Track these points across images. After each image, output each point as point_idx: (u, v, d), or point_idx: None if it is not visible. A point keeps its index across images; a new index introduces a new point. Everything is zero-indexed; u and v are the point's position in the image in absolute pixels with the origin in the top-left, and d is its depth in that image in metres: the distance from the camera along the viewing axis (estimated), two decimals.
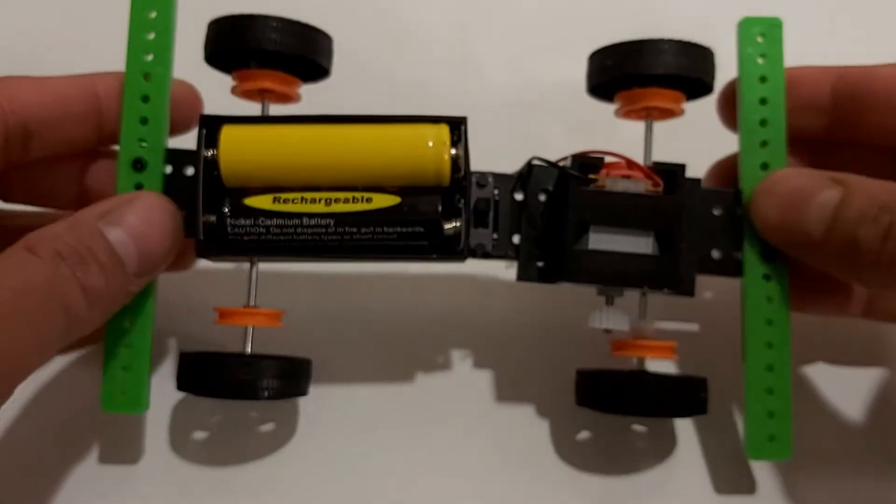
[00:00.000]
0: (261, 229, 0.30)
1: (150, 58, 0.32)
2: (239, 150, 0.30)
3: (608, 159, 0.32)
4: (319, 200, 0.30)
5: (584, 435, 0.36)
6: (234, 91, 0.33)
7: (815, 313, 0.36)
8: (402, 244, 0.31)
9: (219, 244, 0.31)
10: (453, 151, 0.30)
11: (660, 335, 0.33)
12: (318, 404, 0.36)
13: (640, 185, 0.31)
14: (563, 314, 0.37)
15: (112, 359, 0.31)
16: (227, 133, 0.30)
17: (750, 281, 0.32)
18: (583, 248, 0.31)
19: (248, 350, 0.32)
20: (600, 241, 0.31)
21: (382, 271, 0.39)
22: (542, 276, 0.32)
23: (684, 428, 0.36)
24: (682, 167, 0.31)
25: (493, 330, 0.38)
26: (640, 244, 0.31)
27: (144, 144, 0.32)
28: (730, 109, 0.34)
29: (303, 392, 0.33)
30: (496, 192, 0.32)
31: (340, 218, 0.30)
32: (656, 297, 0.33)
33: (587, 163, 0.31)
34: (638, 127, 0.34)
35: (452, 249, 0.31)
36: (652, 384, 0.32)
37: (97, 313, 0.28)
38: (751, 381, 0.32)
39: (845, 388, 0.37)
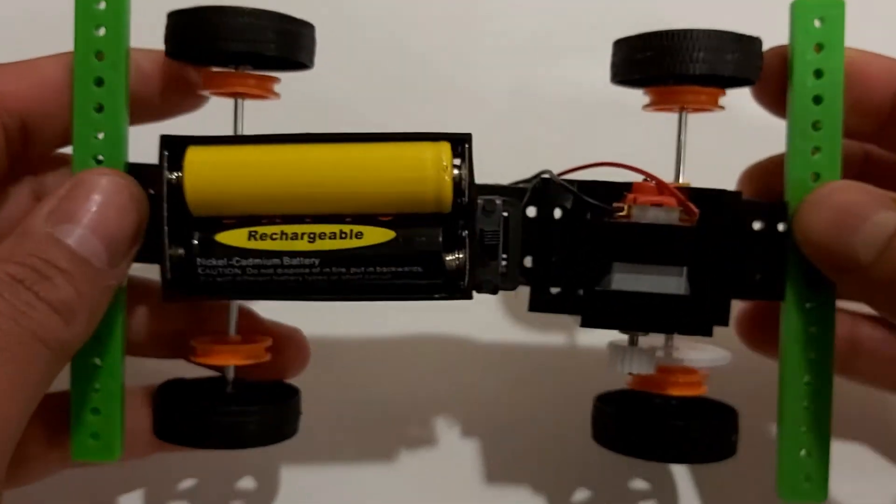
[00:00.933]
0: (236, 270, 0.26)
1: (101, 32, 0.27)
2: (207, 174, 0.26)
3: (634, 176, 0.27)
4: (302, 236, 0.26)
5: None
6: (202, 89, 0.29)
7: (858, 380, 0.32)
8: (399, 283, 0.27)
9: (189, 285, 0.27)
10: (456, 173, 0.26)
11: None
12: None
13: (673, 216, 0.26)
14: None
15: (79, 401, 0.28)
16: (193, 155, 0.26)
17: (791, 308, 0.29)
18: (605, 289, 0.27)
19: (229, 385, 0.29)
20: (625, 280, 0.27)
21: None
22: (557, 305, 0.28)
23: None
24: (723, 193, 0.27)
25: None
26: (671, 284, 0.27)
27: (100, 136, 0.27)
28: (773, 92, 0.29)
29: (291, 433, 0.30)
30: (505, 214, 0.28)
31: (326, 257, 0.26)
32: None
33: (608, 189, 0.27)
34: (651, 124, 0.30)
35: (455, 287, 0.27)
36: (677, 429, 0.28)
37: (80, 327, 0.25)
38: (786, 416, 0.29)
39: None
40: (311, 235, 0.26)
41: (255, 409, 0.29)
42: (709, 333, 0.27)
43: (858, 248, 0.26)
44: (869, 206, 0.26)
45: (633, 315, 0.27)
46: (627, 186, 0.27)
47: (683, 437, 0.28)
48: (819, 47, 0.28)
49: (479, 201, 0.27)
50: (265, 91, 0.28)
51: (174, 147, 0.26)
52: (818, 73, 0.28)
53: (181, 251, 0.27)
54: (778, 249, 0.28)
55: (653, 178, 0.27)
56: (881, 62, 0.29)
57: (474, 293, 0.27)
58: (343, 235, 0.26)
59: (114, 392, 0.28)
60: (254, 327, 0.31)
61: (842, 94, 0.28)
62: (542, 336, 0.37)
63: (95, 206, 0.25)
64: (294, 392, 0.30)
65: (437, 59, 0.38)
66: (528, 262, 0.28)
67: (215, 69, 0.28)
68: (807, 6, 0.28)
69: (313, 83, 0.31)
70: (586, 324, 0.27)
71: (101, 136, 0.27)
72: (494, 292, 0.28)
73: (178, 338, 0.30)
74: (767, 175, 0.31)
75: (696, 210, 0.27)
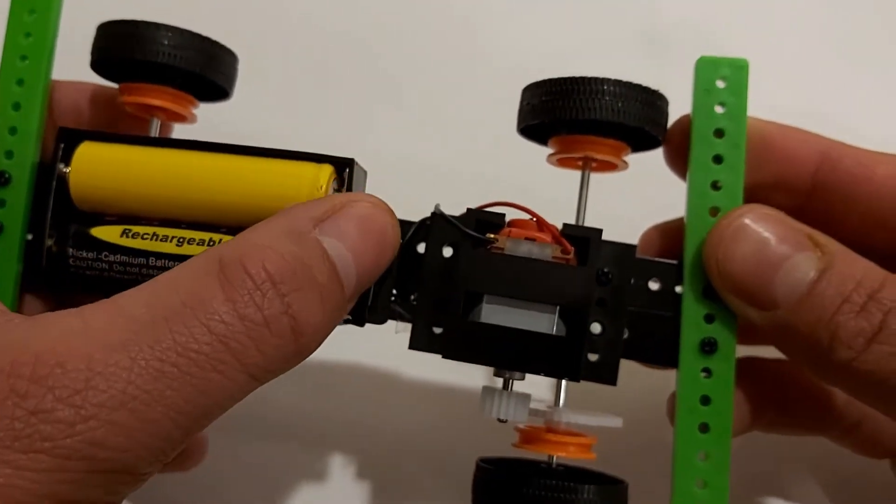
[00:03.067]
0: (103, 265, 0.26)
1: (25, 63, 0.29)
2: (92, 170, 0.27)
3: (514, 212, 0.27)
4: (171, 239, 0.26)
5: None
6: (119, 104, 0.30)
7: (780, 432, 0.31)
8: None
9: (59, 276, 0.27)
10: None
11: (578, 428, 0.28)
12: None
13: (546, 251, 0.26)
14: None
15: None
16: (84, 151, 0.27)
17: (685, 377, 0.27)
18: (473, 321, 0.26)
19: None
20: (494, 314, 0.26)
21: None
22: (438, 345, 0.27)
23: None
24: (597, 232, 0.26)
25: None
26: (542, 321, 0.25)
27: (11, 157, 0.28)
28: (681, 156, 0.28)
29: None
30: None
31: None
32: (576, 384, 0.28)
33: (487, 220, 0.26)
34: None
35: None
36: (559, 483, 0.26)
37: (300, 356, 0.22)
38: (678, 498, 0.26)
39: None
40: (181, 240, 0.26)
41: None
42: (575, 377, 0.25)
43: (776, 292, 0.24)
44: (788, 243, 0.25)
45: (497, 350, 0.25)
46: (503, 219, 0.26)
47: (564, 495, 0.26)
48: (722, 106, 0.27)
49: None
50: (181, 107, 0.29)
51: (70, 140, 0.27)
52: (719, 133, 0.27)
53: (55, 241, 0.27)
54: (674, 312, 0.27)
55: (535, 216, 0.26)
56: (800, 136, 0.28)
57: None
58: (211, 243, 0.26)
59: None
60: None
61: (743, 156, 0.27)
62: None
63: (362, 233, 0.23)
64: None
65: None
66: (413, 298, 0.28)
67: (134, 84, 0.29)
68: (710, 65, 0.28)
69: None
70: (447, 355, 0.25)
71: (11, 157, 0.28)
72: (360, 324, 0.27)
73: None
74: (671, 235, 0.30)
75: (570, 247, 0.26)
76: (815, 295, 0.24)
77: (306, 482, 0.35)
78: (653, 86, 0.27)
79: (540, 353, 0.25)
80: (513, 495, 0.26)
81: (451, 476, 0.34)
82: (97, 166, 0.27)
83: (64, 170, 0.27)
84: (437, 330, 0.27)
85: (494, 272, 0.25)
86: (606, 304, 0.27)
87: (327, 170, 0.26)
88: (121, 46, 0.28)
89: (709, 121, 0.27)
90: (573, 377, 0.25)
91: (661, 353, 0.27)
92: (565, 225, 0.26)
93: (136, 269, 0.26)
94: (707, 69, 0.27)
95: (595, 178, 0.29)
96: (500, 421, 0.27)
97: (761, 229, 0.25)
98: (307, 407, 0.36)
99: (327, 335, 0.22)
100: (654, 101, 0.27)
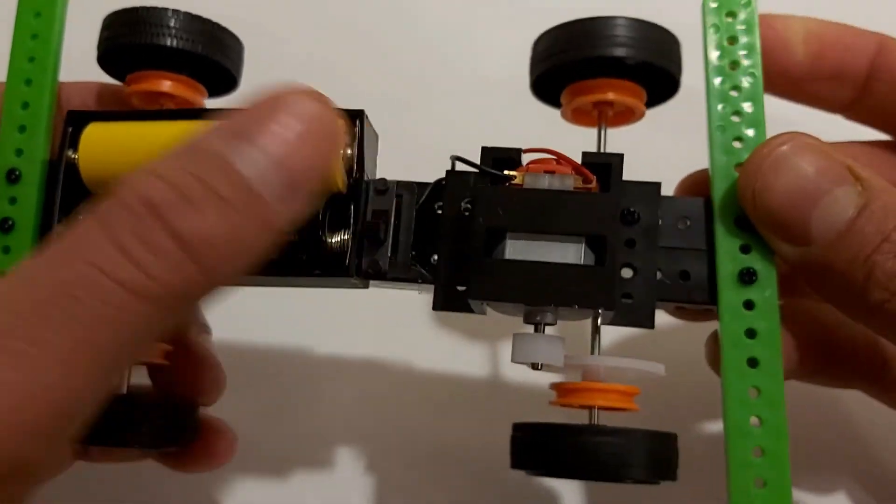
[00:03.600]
0: None
1: (32, 63, 0.29)
2: (101, 150, 0.27)
3: (535, 156, 0.26)
4: None
5: None
6: (128, 97, 0.30)
7: (821, 382, 0.29)
8: (277, 258, 0.25)
9: None
10: (347, 151, 0.26)
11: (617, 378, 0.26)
12: None
13: (567, 182, 0.25)
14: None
15: None
16: (90, 131, 0.27)
17: (727, 311, 0.25)
18: (497, 259, 0.25)
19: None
20: (519, 249, 0.25)
21: None
22: (462, 303, 0.26)
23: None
24: (618, 157, 0.25)
25: None
26: (569, 253, 0.24)
27: (21, 155, 0.28)
28: None
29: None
30: (399, 201, 0.26)
31: None
32: (611, 335, 0.26)
33: (504, 157, 0.26)
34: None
35: (337, 266, 0.25)
36: (606, 439, 0.24)
37: (221, 270, 0.20)
38: (733, 440, 0.24)
39: None
40: None
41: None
42: (611, 305, 0.24)
43: (813, 228, 0.23)
44: (828, 176, 0.24)
45: (527, 286, 0.24)
46: (519, 155, 0.26)
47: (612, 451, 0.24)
48: (732, 41, 0.27)
49: (371, 183, 0.26)
50: (191, 94, 0.29)
51: (77, 123, 0.27)
52: (734, 65, 0.26)
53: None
54: (709, 249, 0.26)
55: (553, 152, 0.25)
56: (855, 30, 0.28)
57: (367, 281, 0.26)
58: None
59: None
60: None
61: (761, 85, 0.26)
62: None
63: (287, 133, 0.20)
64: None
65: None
66: (434, 259, 0.27)
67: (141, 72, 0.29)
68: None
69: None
70: (474, 295, 0.24)
71: (21, 154, 0.28)
72: (381, 278, 0.26)
73: None
74: (701, 184, 0.29)
75: (591, 176, 0.25)
76: (853, 232, 0.23)
77: (305, 474, 0.34)
78: None
79: (571, 285, 0.24)
80: (558, 449, 0.24)
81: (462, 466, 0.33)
82: (106, 145, 0.27)
83: (73, 156, 0.27)
84: (461, 288, 0.26)
85: (515, 207, 0.25)
86: (636, 245, 0.26)
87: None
88: (127, 33, 0.28)
89: (719, 54, 0.27)
90: (609, 305, 0.24)
91: (699, 292, 0.26)
92: (584, 153, 0.25)
93: None
94: (712, 6, 0.27)
95: (612, 139, 0.28)
96: (534, 367, 0.25)
97: (801, 160, 0.24)
98: (303, 398, 0.35)
99: (253, 251, 0.20)
100: (665, 37, 0.27)
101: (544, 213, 0.24)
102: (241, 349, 0.35)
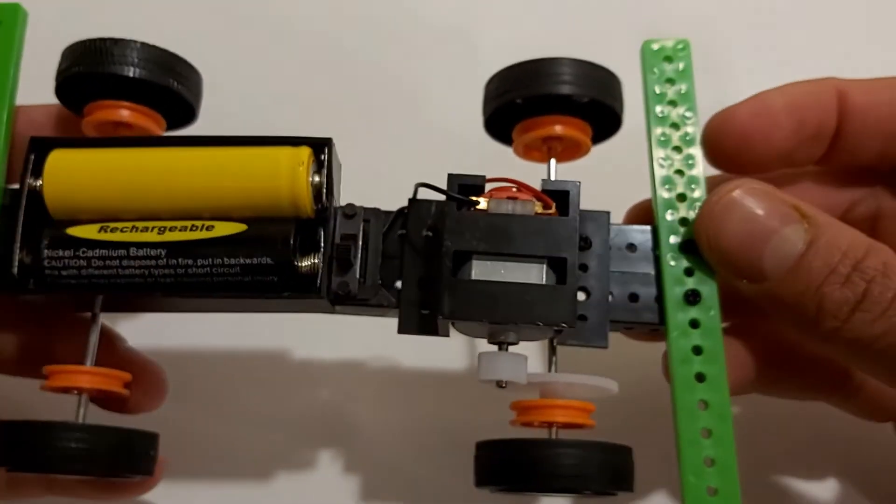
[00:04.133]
0: (81, 262, 0.26)
1: None
2: (66, 177, 0.27)
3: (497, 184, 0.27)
4: (152, 229, 0.26)
5: None
6: (85, 127, 0.30)
7: (781, 394, 0.31)
8: (248, 280, 0.26)
9: (35, 281, 0.26)
10: (315, 179, 0.26)
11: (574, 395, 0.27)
12: None
13: (528, 207, 0.26)
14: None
15: None
16: (55, 157, 0.27)
17: (674, 329, 0.27)
18: (464, 279, 0.26)
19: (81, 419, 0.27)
20: (484, 270, 0.26)
21: None
22: (426, 326, 0.27)
23: None
24: (575, 185, 0.27)
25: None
26: (531, 273, 0.26)
27: None
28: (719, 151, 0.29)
29: (146, 471, 0.27)
30: (366, 225, 0.27)
31: (174, 247, 0.26)
32: (567, 355, 0.28)
33: (469, 184, 0.27)
34: None
35: (308, 288, 0.26)
36: (565, 451, 0.25)
37: None
38: (685, 451, 0.26)
39: None
40: (162, 228, 0.26)
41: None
42: (571, 321, 0.25)
43: (765, 264, 0.25)
44: (776, 217, 0.25)
45: (492, 304, 0.25)
46: (483, 182, 0.27)
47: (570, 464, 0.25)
48: (670, 83, 0.29)
49: (338, 209, 0.27)
50: (149, 123, 0.29)
51: (40, 149, 0.27)
52: (672, 104, 0.29)
53: (31, 256, 0.26)
54: (655, 273, 0.28)
55: (514, 181, 0.27)
56: (816, 86, 0.29)
57: (335, 306, 0.27)
58: (194, 228, 0.26)
59: None
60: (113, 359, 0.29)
61: (697, 119, 0.29)
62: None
63: None
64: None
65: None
66: (398, 284, 0.28)
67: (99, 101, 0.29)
68: (654, 48, 0.30)
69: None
70: (444, 314, 0.25)
71: None
72: (350, 300, 0.27)
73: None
74: (647, 212, 0.31)
75: (551, 201, 0.26)
76: (802, 267, 0.25)
77: (298, 473, 0.34)
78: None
79: (535, 303, 0.25)
80: (517, 465, 0.25)
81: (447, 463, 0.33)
82: (71, 173, 0.27)
83: (35, 183, 0.27)
84: (425, 311, 0.27)
85: (481, 231, 0.26)
86: (589, 269, 0.27)
87: (305, 151, 0.26)
88: (86, 63, 0.28)
89: (660, 97, 0.29)
90: (571, 322, 0.25)
91: (648, 313, 0.27)
92: (544, 181, 0.27)
93: (117, 261, 0.26)
94: (651, 53, 0.29)
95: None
96: (499, 386, 0.26)
97: (750, 204, 0.26)
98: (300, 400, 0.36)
99: None
100: (608, 77, 0.29)
101: (509, 236, 0.26)
102: (239, 354, 0.36)
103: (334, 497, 0.33)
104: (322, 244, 0.26)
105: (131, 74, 0.28)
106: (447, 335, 0.27)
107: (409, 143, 0.40)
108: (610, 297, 0.27)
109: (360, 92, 0.42)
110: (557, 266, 0.26)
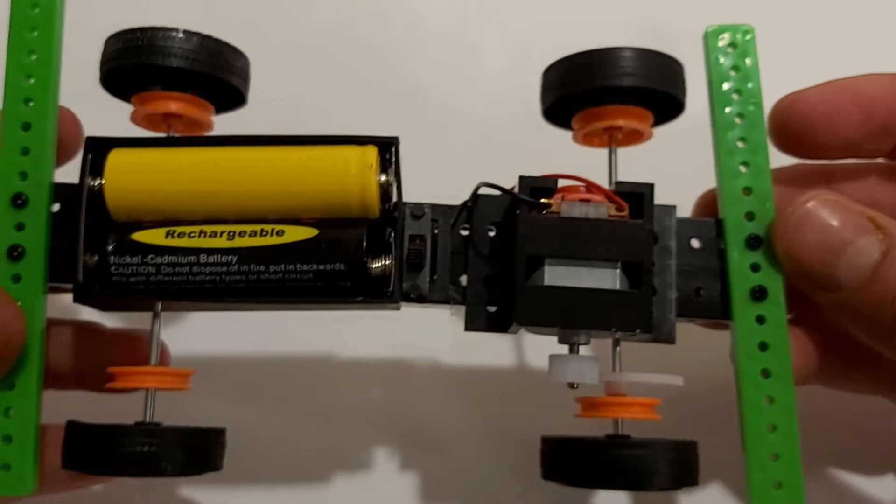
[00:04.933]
0: (150, 269, 0.25)
1: (31, 81, 0.27)
2: (128, 177, 0.26)
3: (565, 182, 0.27)
4: (221, 234, 0.26)
5: None
6: (133, 118, 0.29)
7: (842, 387, 0.31)
8: (321, 285, 0.26)
9: (101, 286, 0.26)
10: (382, 178, 0.26)
11: (638, 392, 0.28)
12: None
13: (602, 210, 0.26)
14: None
15: None
16: (115, 158, 0.26)
17: (741, 326, 0.27)
18: (537, 285, 0.26)
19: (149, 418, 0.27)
20: (557, 275, 0.26)
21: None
22: (494, 323, 0.27)
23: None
24: (649, 187, 0.27)
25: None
26: (605, 278, 0.26)
27: (26, 178, 0.27)
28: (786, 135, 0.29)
29: (216, 467, 0.27)
30: (434, 225, 0.27)
31: (245, 254, 0.25)
32: (631, 350, 0.28)
33: (539, 186, 0.27)
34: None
35: (381, 292, 0.26)
36: (631, 450, 0.26)
37: None
38: (751, 446, 0.27)
39: None
40: (231, 233, 0.26)
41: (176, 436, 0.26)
42: (648, 328, 0.25)
43: (840, 275, 0.26)
44: (851, 227, 0.26)
45: (567, 311, 0.25)
46: (555, 185, 0.27)
47: (637, 462, 0.26)
48: (735, 70, 0.29)
49: (406, 208, 0.27)
50: (199, 113, 0.29)
51: (98, 150, 0.26)
52: (738, 92, 0.28)
53: (96, 257, 0.26)
54: (721, 266, 0.28)
55: (582, 179, 0.27)
56: (887, 80, 0.29)
57: (402, 303, 0.26)
58: (264, 233, 0.26)
59: (28, 420, 0.26)
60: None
61: (762, 111, 0.28)
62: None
63: None
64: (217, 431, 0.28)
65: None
66: (463, 280, 0.27)
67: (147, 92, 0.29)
68: (719, 32, 0.29)
69: None
70: (519, 320, 0.25)
71: (26, 177, 0.27)
72: (422, 301, 0.26)
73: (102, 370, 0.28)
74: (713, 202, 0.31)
75: (625, 205, 0.26)
76: (877, 278, 0.25)
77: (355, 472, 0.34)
78: None
79: (610, 309, 0.25)
80: (585, 461, 0.26)
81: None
82: (133, 174, 0.26)
83: (94, 182, 0.26)
84: (492, 308, 0.27)
85: (553, 235, 0.26)
86: (655, 265, 0.27)
87: (372, 150, 0.26)
88: (132, 54, 0.27)
89: (725, 83, 0.28)
90: (647, 328, 0.25)
91: (713, 308, 0.27)
92: (618, 183, 0.27)
93: (187, 268, 0.25)
94: (715, 37, 0.29)
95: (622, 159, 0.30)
96: (571, 387, 0.26)
97: (824, 215, 0.26)
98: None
99: None
100: (670, 64, 0.28)
101: (582, 240, 0.26)
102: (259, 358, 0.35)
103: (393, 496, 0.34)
104: (392, 246, 0.26)
105: (178, 65, 0.27)
106: (515, 333, 0.27)
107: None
108: (675, 293, 0.27)
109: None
110: (631, 270, 0.26)
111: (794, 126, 0.29)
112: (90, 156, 0.26)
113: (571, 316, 0.25)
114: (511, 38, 0.42)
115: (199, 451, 0.26)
